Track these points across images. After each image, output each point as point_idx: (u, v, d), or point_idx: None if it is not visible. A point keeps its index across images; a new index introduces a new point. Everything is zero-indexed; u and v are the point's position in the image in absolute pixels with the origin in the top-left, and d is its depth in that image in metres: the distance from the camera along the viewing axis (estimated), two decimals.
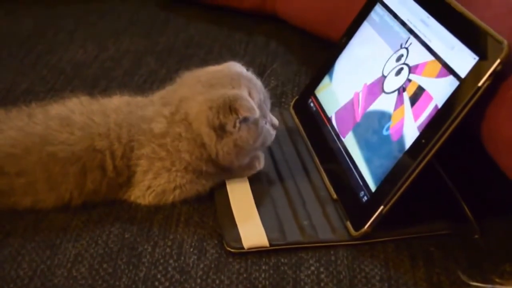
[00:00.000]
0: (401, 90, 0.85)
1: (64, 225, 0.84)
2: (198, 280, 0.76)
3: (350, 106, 0.93)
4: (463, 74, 0.76)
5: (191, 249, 0.80)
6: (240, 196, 0.87)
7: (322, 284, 0.75)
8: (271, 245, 0.80)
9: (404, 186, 0.77)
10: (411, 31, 0.88)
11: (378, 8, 0.98)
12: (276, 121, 0.92)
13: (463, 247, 0.80)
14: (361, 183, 0.84)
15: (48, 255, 0.80)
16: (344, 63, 1.00)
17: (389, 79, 0.88)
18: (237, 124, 0.84)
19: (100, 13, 1.50)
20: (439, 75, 0.79)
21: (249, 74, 0.90)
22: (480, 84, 0.73)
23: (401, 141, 0.81)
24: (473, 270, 0.76)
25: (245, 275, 0.77)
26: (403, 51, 0.88)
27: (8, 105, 0.92)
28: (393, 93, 0.86)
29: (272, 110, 0.93)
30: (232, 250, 0.80)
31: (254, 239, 0.80)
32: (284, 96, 1.13)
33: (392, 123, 0.84)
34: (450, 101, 0.76)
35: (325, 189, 0.89)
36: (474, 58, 0.75)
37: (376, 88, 0.90)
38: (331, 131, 0.95)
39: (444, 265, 0.77)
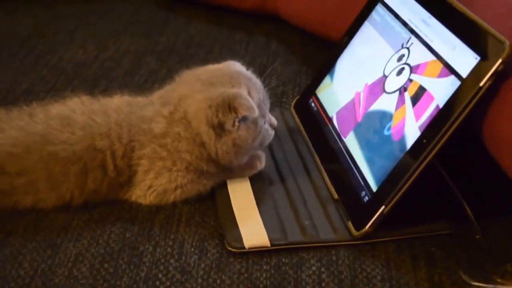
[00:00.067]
0: (402, 90, 0.85)
1: (65, 225, 0.84)
2: (199, 280, 0.76)
3: (351, 106, 0.93)
4: (464, 74, 0.76)
5: (192, 249, 0.80)
6: (241, 196, 0.87)
7: (323, 284, 0.75)
8: (272, 245, 0.80)
9: (406, 186, 0.77)
10: (412, 31, 0.88)
11: (379, 8, 0.98)
12: (274, 121, 0.92)
13: (465, 247, 0.80)
14: (362, 183, 0.84)
15: (49, 254, 0.80)
16: (345, 63, 1.00)
17: (390, 79, 0.88)
18: (236, 123, 0.84)
19: (100, 13, 1.50)
20: (441, 75, 0.79)
21: (249, 73, 0.90)
22: (481, 84, 0.73)
23: (402, 141, 0.81)
24: (475, 270, 0.76)
25: (246, 275, 0.76)
26: (404, 51, 0.88)
27: (8, 105, 0.92)
28: (394, 93, 0.86)
29: (273, 110, 0.94)
30: (233, 250, 0.80)
31: (255, 239, 0.80)
32: (285, 96, 1.13)
33: (393, 123, 0.84)
34: (451, 101, 0.76)
35: (326, 189, 0.89)
36: (476, 58, 0.75)
37: (377, 88, 0.90)
38: (332, 131, 0.95)
39: (446, 265, 0.77)
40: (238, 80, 0.87)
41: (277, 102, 1.10)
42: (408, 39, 0.88)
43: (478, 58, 0.75)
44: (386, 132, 0.84)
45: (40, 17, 1.48)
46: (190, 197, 0.87)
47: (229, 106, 0.83)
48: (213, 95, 0.84)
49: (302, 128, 1.02)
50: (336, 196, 0.87)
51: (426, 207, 0.85)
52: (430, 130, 0.77)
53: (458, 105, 0.75)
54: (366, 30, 0.99)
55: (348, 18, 1.04)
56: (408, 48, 0.88)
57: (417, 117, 0.80)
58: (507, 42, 0.72)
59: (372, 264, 0.78)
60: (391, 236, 0.81)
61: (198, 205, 0.87)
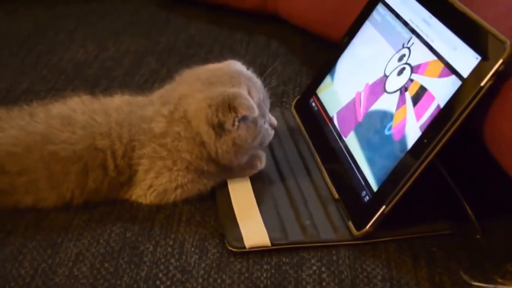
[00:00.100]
0: (403, 89, 0.85)
1: (65, 224, 0.84)
2: (200, 280, 0.76)
3: (352, 105, 0.93)
4: (465, 74, 0.76)
5: (193, 249, 0.80)
6: (241, 196, 0.87)
7: (324, 284, 0.75)
8: (272, 244, 0.80)
9: (406, 186, 0.77)
10: (413, 31, 0.88)
11: (380, 7, 0.98)
12: (274, 121, 0.92)
13: (465, 247, 0.80)
14: (363, 183, 0.84)
15: (49, 254, 0.80)
16: (346, 63, 1.00)
17: (391, 79, 0.88)
18: (236, 123, 0.84)
19: (100, 13, 1.50)
20: (441, 75, 0.79)
21: (249, 73, 0.90)
22: (482, 84, 0.73)
23: (403, 141, 0.81)
24: (475, 270, 0.76)
25: (246, 275, 0.76)
26: (405, 51, 0.88)
27: (8, 104, 0.92)
28: (395, 92, 0.86)
29: (273, 110, 0.93)
30: (233, 249, 0.79)
31: (255, 239, 0.80)
32: (286, 96, 1.13)
33: (394, 123, 0.83)
34: (452, 101, 0.76)
35: (327, 188, 0.89)
36: (477, 58, 0.75)
37: (378, 88, 0.90)
38: (333, 130, 0.95)
39: (446, 265, 0.77)
40: (238, 80, 0.87)
41: (277, 102, 1.10)
42: (409, 39, 0.88)
43: (479, 58, 0.75)
44: (386, 132, 0.84)
45: (40, 17, 1.48)
46: (190, 196, 0.87)
47: (229, 105, 0.82)
48: (213, 94, 0.84)
49: (302, 128, 1.02)
50: (336, 196, 0.87)
51: (426, 207, 0.85)
52: (431, 130, 0.77)
53: (459, 105, 0.75)
54: (367, 30, 0.99)
55: (349, 18, 1.03)
56: (409, 48, 0.88)
57: (418, 117, 0.80)
58: (508, 42, 0.72)
59: (373, 264, 0.78)
60: (391, 236, 0.81)
61: (199, 205, 0.87)
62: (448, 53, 0.80)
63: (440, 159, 0.84)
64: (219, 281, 0.76)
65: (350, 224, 0.82)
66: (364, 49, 0.98)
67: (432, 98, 0.79)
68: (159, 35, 1.38)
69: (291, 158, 0.95)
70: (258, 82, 0.90)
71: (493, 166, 0.79)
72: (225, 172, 0.89)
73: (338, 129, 0.94)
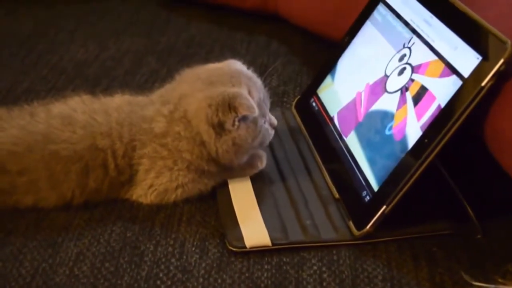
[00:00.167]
0: (404, 89, 0.84)
1: (66, 224, 0.84)
2: (200, 279, 0.76)
3: (353, 105, 0.93)
4: (466, 74, 0.76)
5: (193, 248, 0.80)
6: (242, 195, 0.87)
7: (324, 284, 0.75)
8: (273, 244, 0.80)
9: (407, 186, 0.77)
10: (414, 31, 0.88)
11: (380, 7, 0.98)
12: (274, 121, 0.92)
13: (466, 247, 0.80)
14: (363, 183, 0.83)
15: (49, 253, 0.79)
16: (347, 63, 1.00)
17: (391, 79, 0.88)
18: (236, 123, 0.84)
19: (101, 13, 1.50)
20: (442, 75, 0.79)
21: (249, 73, 0.90)
22: (483, 84, 0.73)
23: (403, 140, 0.81)
24: (476, 270, 0.76)
25: (247, 275, 0.76)
26: (406, 51, 0.88)
27: (9, 104, 0.92)
28: (395, 92, 0.86)
29: (274, 110, 0.93)
30: (234, 249, 0.79)
31: (256, 238, 0.80)
32: (286, 96, 1.13)
33: (395, 123, 0.83)
34: (453, 101, 0.76)
35: (327, 188, 0.89)
36: (478, 58, 0.75)
37: (379, 87, 0.90)
38: (333, 130, 0.95)
39: (447, 265, 0.77)
40: (239, 79, 0.87)
41: (278, 101, 1.10)
42: (409, 39, 0.88)
43: (480, 58, 0.75)
44: (387, 132, 0.84)
45: (40, 17, 1.48)
46: (191, 196, 0.87)
47: (229, 105, 0.82)
48: (213, 94, 0.84)
49: (303, 128, 1.02)
50: (337, 196, 0.87)
51: (427, 207, 0.85)
52: (432, 130, 0.77)
53: (459, 105, 0.75)
54: (368, 30, 0.99)
55: (349, 18, 1.03)
56: (409, 48, 0.88)
57: (419, 117, 0.80)
58: (509, 42, 0.72)
59: (373, 264, 0.78)
60: (392, 236, 0.81)
61: (199, 205, 0.87)
62: (449, 53, 0.80)
63: (440, 159, 0.84)
64: (219, 280, 0.76)
65: (351, 224, 0.82)
66: (365, 49, 0.98)
67: (433, 98, 0.79)
68: (159, 35, 1.38)
69: (291, 158, 0.95)
70: (258, 81, 0.90)
71: (493, 166, 0.79)
72: (226, 171, 0.89)
73: (339, 129, 0.94)
